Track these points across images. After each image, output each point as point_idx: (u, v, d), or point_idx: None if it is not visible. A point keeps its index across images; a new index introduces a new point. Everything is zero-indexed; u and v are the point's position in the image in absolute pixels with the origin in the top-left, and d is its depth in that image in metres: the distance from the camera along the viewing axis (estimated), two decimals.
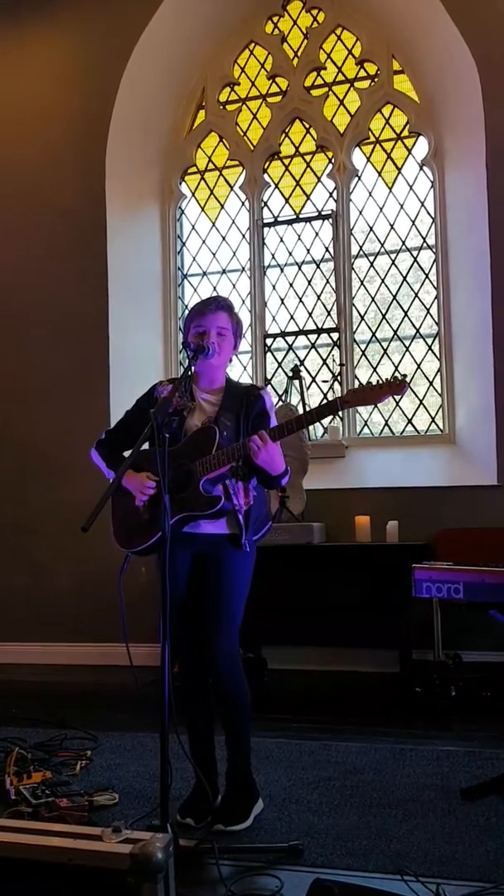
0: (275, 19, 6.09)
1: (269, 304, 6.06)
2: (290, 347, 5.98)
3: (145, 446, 2.68)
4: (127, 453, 2.89)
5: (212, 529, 2.84)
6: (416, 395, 5.66)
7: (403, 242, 5.77)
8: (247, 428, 2.88)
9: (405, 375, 2.74)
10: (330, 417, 5.73)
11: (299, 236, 6.00)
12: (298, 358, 5.94)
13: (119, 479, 2.65)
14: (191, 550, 2.89)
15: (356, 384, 5.75)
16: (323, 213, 5.93)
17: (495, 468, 5.06)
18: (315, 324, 5.94)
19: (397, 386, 2.68)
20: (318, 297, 5.94)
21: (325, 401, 5.47)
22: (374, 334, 5.80)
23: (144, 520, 2.81)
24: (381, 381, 2.72)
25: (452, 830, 2.70)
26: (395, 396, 2.82)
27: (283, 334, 6.01)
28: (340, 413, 5.69)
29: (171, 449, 2.75)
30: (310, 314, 5.95)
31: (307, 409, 5.58)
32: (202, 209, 6.30)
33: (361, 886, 2.19)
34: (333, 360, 5.84)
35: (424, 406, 5.67)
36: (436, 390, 5.64)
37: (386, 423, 5.74)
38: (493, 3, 5.19)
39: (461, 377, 5.50)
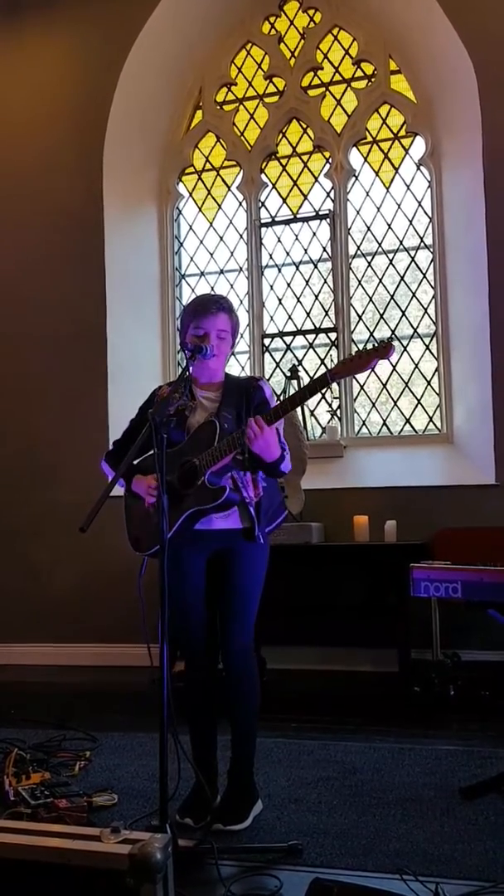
0: (272, 19, 6.09)
1: (267, 304, 6.05)
2: (288, 347, 5.98)
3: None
4: (136, 461, 2.89)
5: (224, 525, 2.84)
6: (414, 395, 5.67)
7: (401, 242, 5.77)
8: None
9: (391, 338, 2.70)
10: (329, 415, 5.79)
11: (297, 236, 5.99)
12: (296, 358, 5.94)
13: (117, 478, 2.65)
14: (205, 550, 2.89)
15: (350, 378, 5.76)
16: (320, 212, 5.93)
17: (493, 467, 5.06)
18: (313, 324, 5.94)
19: (384, 349, 2.61)
20: (316, 296, 5.94)
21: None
22: (371, 334, 5.79)
23: (155, 522, 2.80)
24: (367, 348, 2.68)
25: (451, 829, 2.71)
26: (384, 360, 2.69)
27: (281, 334, 6.01)
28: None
29: (176, 448, 2.77)
30: (307, 314, 5.95)
31: (305, 409, 5.61)
32: (199, 209, 6.30)
33: (361, 886, 2.19)
34: (331, 360, 5.83)
35: (422, 406, 5.67)
36: (434, 390, 5.64)
37: (384, 423, 5.74)
38: (490, 3, 5.20)
39: (459, 377, 5.50)
